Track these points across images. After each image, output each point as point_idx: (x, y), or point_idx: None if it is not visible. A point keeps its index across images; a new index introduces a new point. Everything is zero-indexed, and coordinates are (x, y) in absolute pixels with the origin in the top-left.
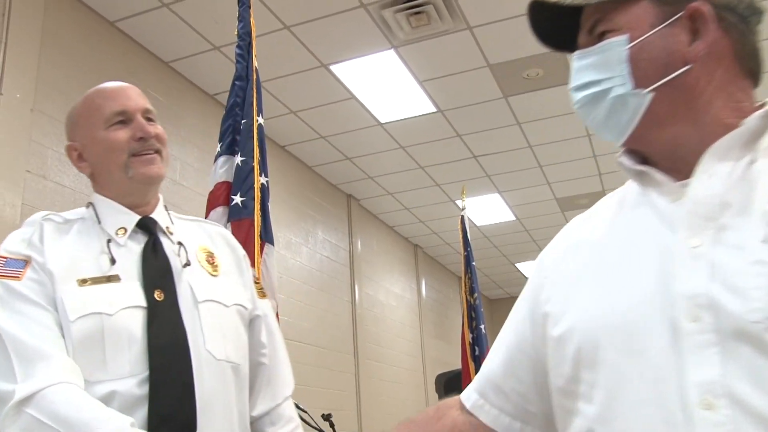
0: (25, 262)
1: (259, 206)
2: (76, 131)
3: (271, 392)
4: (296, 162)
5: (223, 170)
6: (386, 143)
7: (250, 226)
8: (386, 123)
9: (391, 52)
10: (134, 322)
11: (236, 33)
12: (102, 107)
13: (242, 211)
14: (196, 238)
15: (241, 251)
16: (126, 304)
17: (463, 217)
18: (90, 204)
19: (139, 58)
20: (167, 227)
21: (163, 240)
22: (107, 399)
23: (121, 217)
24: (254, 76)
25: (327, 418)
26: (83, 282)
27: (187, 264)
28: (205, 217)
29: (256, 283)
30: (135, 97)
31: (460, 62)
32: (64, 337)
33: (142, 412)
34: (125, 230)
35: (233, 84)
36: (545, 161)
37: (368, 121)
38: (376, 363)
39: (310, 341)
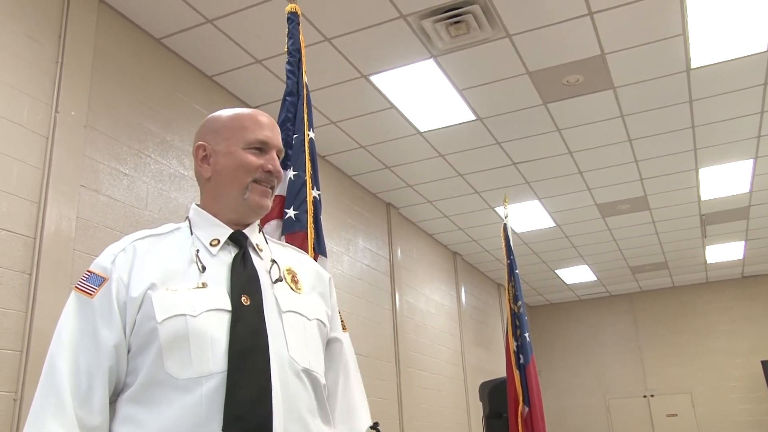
0: (104, 280)
1: (312, 219)
2: (213, 137)
3: (350, 423)
4: (336, 171)
5: None
6: (426, 152)
7: (303, 238)
8: (426, 132)
9: (431, 62)
10: (218, 324)
11: (286, 49)
12: (249, 129)
13: (296, 224)
14: (284, 259)
15: (327, 275)
16: (210, 307)
17: (505, 225)
18: (187, 218)
19: (183, 73)
20: (257, 244)
21: (252, 255)
22: (194, 397)
23: (216, 229)
24: (305, 92)
25: (374, 427)
26: (172, 289)
27: (279, 280)
28: (259, 231)
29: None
30: (276, 134)
31: (499, 70)
32: (116, 361)
33: (220, 411)
34: (218, 241)
35: (284, 99)
36: (585, 167)
37: (408, 130)
38: (417, 371)
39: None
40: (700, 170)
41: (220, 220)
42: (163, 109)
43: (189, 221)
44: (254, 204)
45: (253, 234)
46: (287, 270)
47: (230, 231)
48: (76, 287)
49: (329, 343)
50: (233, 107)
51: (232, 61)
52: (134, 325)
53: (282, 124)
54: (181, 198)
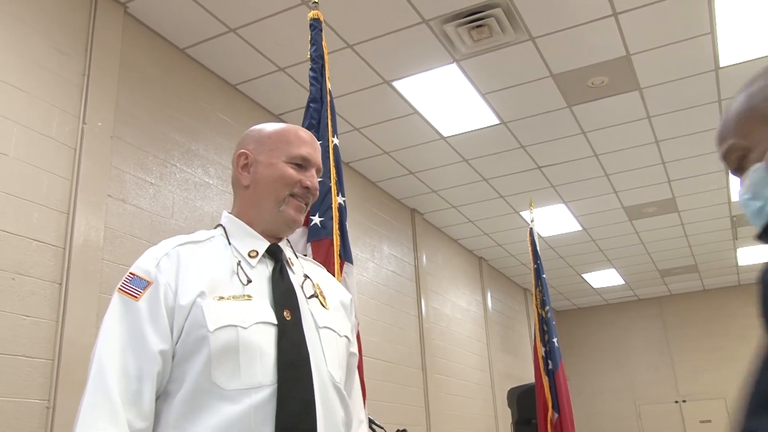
0: (148, 284)
1: (337, 226)
2: (255, 147)
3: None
4: (360, 178)
5: None
6: (449, 157)
7: (329, 245)
8: (449, 137)
9: (453, 66)
10: (266, 337)
11: (309, 56)
12: (292, 144)
13: (321, 231)
14: (312, 274)
15: (349, 297)
16: (258, 319)
17: (531, 229)
18: (219, 225)
19: (208, 82)
20: (289, 258)
21: (286, 268)
22: (242, 408)
23: (253, 241)
24: (328, 98)
25: None
26: (221, 298)
27: (314, 296)
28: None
29: None
30: (317, 152)
31: (522, 73)
32: (162, 362)
33: (270, 422)
34: (257, 253)
35: (308, 106)
36: (612, 170)
37: (431, 135)
38: (444, 377)
39: (378, 356)
40: None
41: (256, 230)
42: (188, 118)
43: (224, 229)
44: (288, 218)
45: (286, 247)
46: (316, 285)
47: (267, 243)
48: (120, 289)
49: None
50: (278, 122)
51: (255, 69)
52: (181, 333)
53: None
54: (207, 206)
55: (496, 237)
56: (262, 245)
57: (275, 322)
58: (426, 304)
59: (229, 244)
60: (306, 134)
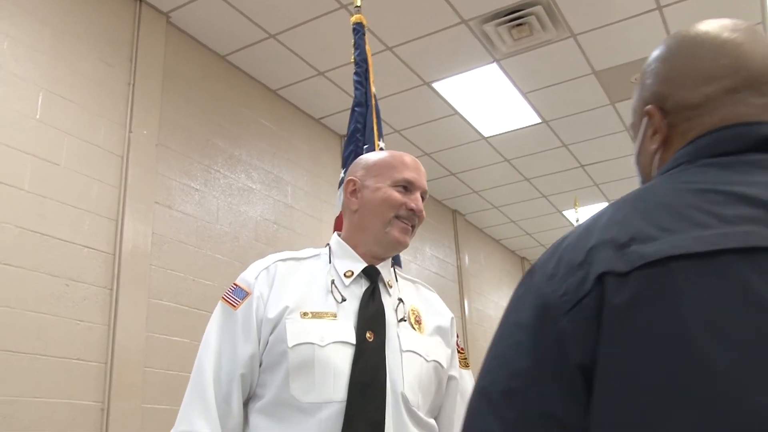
0: (247, 294)
1: None
2: (363, 173)
3: None
4: None
5: None
6: (491, 157)
7: None
8: (490, 137)
9: (494, 66)
10: (342, 356)
11: (353, 60)
12: (397, 169)
13: None
14: (411, 297)
15: (450, 316)
16: (336, 339)
17: None
18: (328, 245)
19: (249, 88)
20: (388, 281)
21: (382, 290)
22: (314, 420)
23: (352, 262)
24: (373, 102)
25: None
26: (305, 315)
27: (403, 319)
28: (391, 266)
29: (459, 353)
30: (423, 176)
31: (564, 71)
32: (255, 367)
33: None
34: (352, 273)
35: (353, 110)
36: None
37: (472, 135)
38: None
39: None
40: None
41: (358, 252)
42: (231, 124)
43: (330, 249)
44: (393, 239)
45: (385, 269)
46: (412, 310)
47: (364, 264)
48: (223, 298)
49: (447, 381)
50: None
51: (295, 74)
52: (267, 344)
53: (351, 135)
54: (251, 211)
55: (538, 237)
56: (359, 266)
57: (353, 342)
58: (469, 306)
59: (330, 263)
60: (411, 160)
